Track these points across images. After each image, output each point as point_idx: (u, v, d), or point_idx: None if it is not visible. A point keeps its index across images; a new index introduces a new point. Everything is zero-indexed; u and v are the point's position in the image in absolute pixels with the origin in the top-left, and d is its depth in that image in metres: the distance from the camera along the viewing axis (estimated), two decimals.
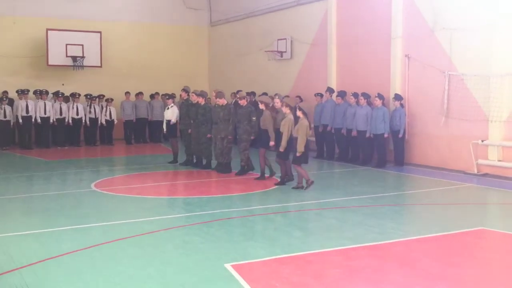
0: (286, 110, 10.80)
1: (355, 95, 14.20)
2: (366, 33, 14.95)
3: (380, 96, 13.53)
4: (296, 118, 10.76)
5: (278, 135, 11.05)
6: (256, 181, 11.40)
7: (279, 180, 11.08)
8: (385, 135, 13.47)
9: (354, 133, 14.05)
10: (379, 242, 6.96)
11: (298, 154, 10.43)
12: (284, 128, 10.48)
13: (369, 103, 13.94)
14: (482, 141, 12.15)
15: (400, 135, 13.44)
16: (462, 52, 12.57)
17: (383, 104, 13.58)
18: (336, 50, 15.98)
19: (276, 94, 13.06)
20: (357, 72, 15.28)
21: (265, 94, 16.64)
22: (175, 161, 14.19)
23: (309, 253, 6.50)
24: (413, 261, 6.26)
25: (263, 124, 11.55)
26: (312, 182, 10.59)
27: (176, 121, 14.10)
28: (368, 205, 9.24)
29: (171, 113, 14.07)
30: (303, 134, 10.37)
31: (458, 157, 12.77)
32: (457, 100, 12.68)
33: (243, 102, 12.23)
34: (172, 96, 14.84)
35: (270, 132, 11.38)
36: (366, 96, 13.94)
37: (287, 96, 15.72)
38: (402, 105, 13.56)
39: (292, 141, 10.68)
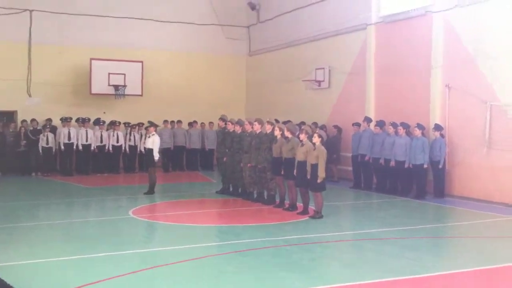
0: (304, 137, 10.80)
1: (394, 125, 14.05)
2: (405, 62, 14.85)
3: (419, 126, 13.34)
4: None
5: (288, 162, 11.17)
6: (292, 212, 11.30)
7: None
8: (425, 166, 13.23)
9: (392, 163, 13.86)
10: (419, 276, 6.78)
11: (319, 181, 10.36)
12: (321, 160, 10.40)
13: (408, 133, 13.76)
14: None
15: (440, 166, 13.19)
16: (504, 81, 12.33)
17: (422, 134, 13.39)
18: (375, 79, 15.90)
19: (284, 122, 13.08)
20: (396, 101, 15.14)
21: (303, 123, 16.64)
22: (151, 191, 13.70)
23: (347, 285, 6.38)
24: None
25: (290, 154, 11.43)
26: (322, 216, 10.51)
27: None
28: (407, 237, 9.04)
29: (152, 142, 13.66)
30: (323, 160, 10.36)
31: (501, 189, 12.41)
32: (500, 130, 12.40)
33: (268, 128, 12.16)
34: (154, 125, 14.16)
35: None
36: (405, 126, 13.76)
37: (290, 121, 15.53)
38: (442, 135, 13.34)
39: (302, 167, 10.68)
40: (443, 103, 13.74)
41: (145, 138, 18.91)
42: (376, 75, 15.86)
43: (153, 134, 13.86)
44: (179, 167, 20.24)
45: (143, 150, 18.91)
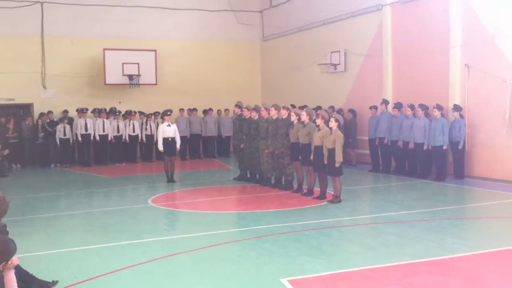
0: (320, 122, 10.71)
1: (412, 106, 13.89)
2: (423, 43, 14.63)
3: (438, 107, 13.17)
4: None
5: (305, 148, 11.16)
6: (309, 197, 11.25)
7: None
8: (444, 147, 13.09)
9: (411, 145, 13.73)
10: (441, 258, 6.71)
11: (337, 165, 10.29)
12: (338, 144, 10.31)
13: (427, 115, 13.60)
14: None
15: (460, 147, 13.03)
16: None
17: (441, 115, 13.22)
18: (392, 61, 15.70)
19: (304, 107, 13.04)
20: (413, 83, 14.96)
21: (319, 107, 16.55)
22: (172, 179, 13.87)
23: (367, 268, 6.34)
24: (477, 277, 6.00)
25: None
26: (340, 200, 10.46)
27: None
28: (427, 219, 8.96)
29: (174, 131, 13.73)
30: (340, 144, 10.28)
31: None
32: None
33: (284, 114, 12.09)
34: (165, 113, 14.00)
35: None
36: (423, 107, 13.60)
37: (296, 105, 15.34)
38: (461, 116, 13.17)
39: (319, 152, 10.64)
40: (462, 83, 13.54)
41: (145, 126, 19.03)
42: (393, 57, 15.67)
43: (173, 123, 13.97)
44: (196, 155, 20.29)
45: (144, 138, 19.03)
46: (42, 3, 19.20)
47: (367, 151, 15.78)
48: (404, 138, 13.97)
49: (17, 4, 18.79)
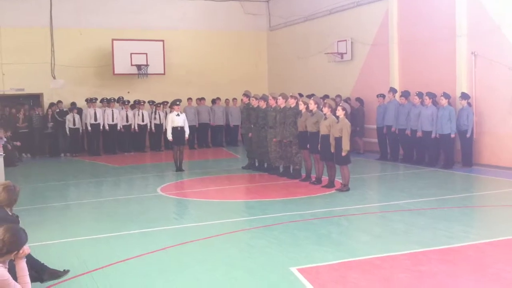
0: (327, 111, 10.70)
1: (420, 94, 13.86)
2: (430, 31, 14.56)
3: (446, 95, 13.13)
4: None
5: (314, 136, 11.14)
6: (318, 185, 11.29)
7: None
8: (452, 135, 13.06)
9: (419, 133, 13.71)
10: (449, 246, 6.74)
11: (344, 154, 10.30)
12: (345, 133, 10.31)
13: (434, 103, 13.56)
14: None
15: (468, 135, 13.00)
16: None
17: (449, 103, 13.18)
18: (398, 50, 15.64)
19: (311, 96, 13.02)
20: (421, 71, 14.90)
21: (326, 96, 16.54)
22: (181, 169, 13.93)
23: (376, 257, 6.37)
24: (485, 265, 6.02)
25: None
26: (348, 189, 10.46)
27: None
28: (435, 207, 8.97)
29: (183, 120, 13.78)
30: (347, 133, 10.28)
31: None
32: None
33: (292, 102, 12.10)
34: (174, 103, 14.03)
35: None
36: (431, 95, 13.56)
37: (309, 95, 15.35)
38: (469, 104, 13.12)
39: (326, 140, 10.65)
40: (469, 71, 13.48)
41: (154, 115, 19.09)
42: (400, 45, 15.61)
43: (182, 113, 14.03)
44: (204, 144, 20.35)
45: (153, 127, 19.09)
46: None
47: (375, 140, 15.78)
48: (412, 126, 13.95)
49: None
